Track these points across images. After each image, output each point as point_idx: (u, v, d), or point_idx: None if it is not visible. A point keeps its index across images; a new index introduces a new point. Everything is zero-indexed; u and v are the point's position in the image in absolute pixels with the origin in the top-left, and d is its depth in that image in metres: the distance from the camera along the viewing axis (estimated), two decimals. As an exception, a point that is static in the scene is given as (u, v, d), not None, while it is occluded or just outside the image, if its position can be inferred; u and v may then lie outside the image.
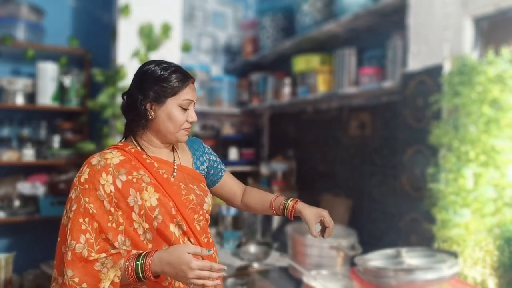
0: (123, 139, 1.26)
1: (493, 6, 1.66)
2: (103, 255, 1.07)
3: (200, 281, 1.03)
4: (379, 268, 1.58)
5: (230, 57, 3.83)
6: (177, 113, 1.18)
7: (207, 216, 1.26)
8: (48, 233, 2.25)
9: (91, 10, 3.23)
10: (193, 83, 1.22)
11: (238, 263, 2.41)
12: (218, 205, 2.84)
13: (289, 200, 1.33)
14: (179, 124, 1.19)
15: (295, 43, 2.90)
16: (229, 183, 1.41)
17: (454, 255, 1.63)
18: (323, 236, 1.29)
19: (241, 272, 2.27)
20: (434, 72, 1.87)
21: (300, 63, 2.87)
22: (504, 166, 1.61)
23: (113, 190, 1.11)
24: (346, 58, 2.54)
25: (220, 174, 1.39)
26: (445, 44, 1.85)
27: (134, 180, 1.14)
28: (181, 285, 1.15)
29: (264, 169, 3.30)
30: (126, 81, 2.52)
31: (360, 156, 2.63)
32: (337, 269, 2.09)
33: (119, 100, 1.22)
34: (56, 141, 2.98)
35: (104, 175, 1.12)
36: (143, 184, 1.14)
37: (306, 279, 1.91)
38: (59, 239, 1.13)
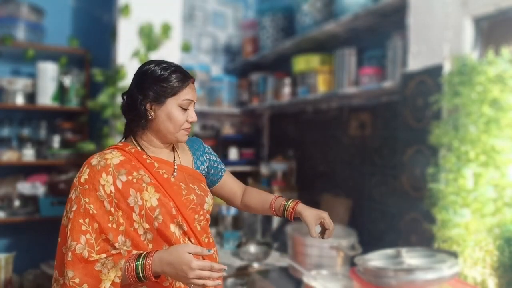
0: (123, 139, 1.26)
1: (493, 6, 1.66)
2: (104, 255, 1.07)
3: (200, 281, 1.03)
4: (379, 268, 1.58)
5: (230, 57, 3.83)
6: (177, 113, 1.18)
7: (208, 216, 1.26)
8: (48, 233, 2.25)
9: (91, 10, 3.23)
10: (193, 83, 1.22)
11: (238, 263, 2.41)
12: (218, 205, 2.84)
13: (290, 201, 1.32)
14: (179, 124, 1.19)
15: (295, 43, 2.90)
16: (229, 183, 1.41)
17: (454, 255, 1.63)
18: (322, 237, 1.29)
19: (241, 272, 2.27)
20: (434, 72, 1.87)
21: (300, 63, 2.87)
22: (504, 166, 1.61)
23: (113, 190, 1.11)
24: (346, 58, 2.54)
25: (220, 174, 1.39)
26: (445, 44, 1.85)
27: (134, 180, 1.14)
28: (182, 285, 1.15)
29: (264, 169, 3.30)
30: (126, 81, 2.52)
31: (360, 156, 2.63)
32: (337, 269, 2.09)
33: (119, 100, 1.22)
34: (56, 141, 2.98)
35: (104, 175, 1.12)
36: (144, 184, 1.14)
37: (306, 279, 1.91)
38: (59, 239, 1.13)
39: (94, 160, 1.15)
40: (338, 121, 2.81)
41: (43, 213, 2.83)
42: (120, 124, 2.56)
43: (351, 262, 2.04)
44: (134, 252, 1.10)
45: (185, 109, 1.19)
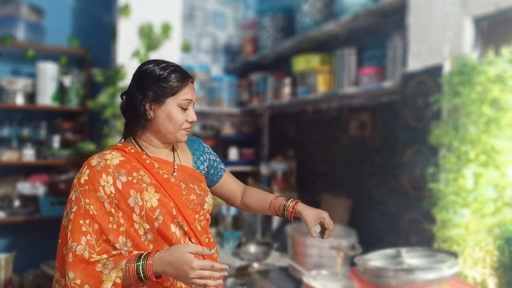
0: (123, 140, 1.26)
1: (493, 6, 1.66)
2: (105, 256, 1.07)
3: (201, 281, 1.03)
4: (379, 268, 1.58)
5: (230, 57, 3.83)
6: (177, 113, 1.18)
7: (208, 216, 1.26)
8: (48, 233, 2.25)
9: (91, 10, 3.23)
10: (192, 82, 1.22)
11: (238, 263, 2.41)
12: (218, 205, 2.84)
13: (289, 201, 1.32)
14: (179, 124, 1.18)
15: (295, 43, 2.90)
16: (229, 183, 1.41)
17: (454, 255, 1.63)
18: (322, 237, 1.29)
19: (241, 272, 2.27)
20: (434, 72, 1.87)
21: (300, 63, 2.87)
22: (504, 166, 1.61)
23: (113, 191, 1.11)
24: (346, 58, 2.54)
25: (220, 174, 1.39)
26: (445, 44, 1.85)
27: (135, 181, 1.13)
28: (183, 285, 1.15)
29: (264, 169, 3.30)
30: (126, 81, 2.52)
31: (360, 156, 2.63)
32: (337, 269, 2.09)
33: (119, 100, 1.22)
34: (56, 141, 2.98)
35: (104, 176, 1.12)
36: (144, 185, 1.14)
37: (306, 279, 1.91)
38: (59, 240, 1.12)
39: (94, 160, 1.15)
40: (338, 121, 2.81)
41: (43, 213, 2.83)
42: (120, 124, 2.56)
43: (351, 262, 2.04)
44: (135, 252, 1.10)
45: (184, 109, 1.19)
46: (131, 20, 2.67)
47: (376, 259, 1.69)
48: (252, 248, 2.50)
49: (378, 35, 2.48)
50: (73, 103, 3.00)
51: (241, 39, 3.68)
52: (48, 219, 2.79)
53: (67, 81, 2.98)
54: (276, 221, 2.86)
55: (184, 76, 1.19)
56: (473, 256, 1.69)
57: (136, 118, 1.18)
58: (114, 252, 1.08)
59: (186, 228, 1.17)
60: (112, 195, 1.11)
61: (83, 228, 1.07)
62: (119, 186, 1.12)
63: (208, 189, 1.30)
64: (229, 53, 3.83)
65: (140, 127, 1.20)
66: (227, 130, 3.60)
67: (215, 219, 2.92)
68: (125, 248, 1.10)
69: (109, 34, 2.79)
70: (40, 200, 2.85)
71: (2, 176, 2.92)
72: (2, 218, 2.76)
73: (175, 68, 1.19)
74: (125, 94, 1.22)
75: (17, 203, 2.88)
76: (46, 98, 2.90)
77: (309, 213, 1.28)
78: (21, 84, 2.88)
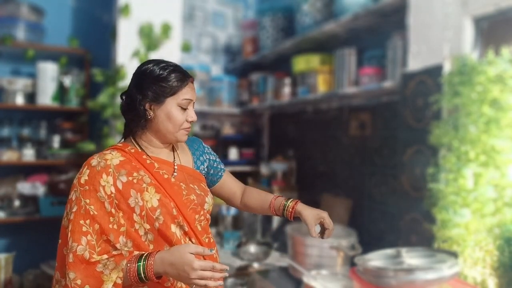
0: (123, 140, 1.26)
1: (493, 6, 1.66)
2: (105, 256, 1.07)
3: (202, 282, 1.02)
4: (379, 268, 1.58)
5: (230, 57, 3.83)
6: (177, 112, 1.17)
7: (208, 216, 1.26)
8: (48, 233, 2.25)
9: (91, 10, 3.23)
10: (192, 82, 1.21)
11: (238, 263, 2.41)
12: (218, 205, 2.84)
13: (289, 201, 1.32)
14: (179, 124, 1.18)
15: (295, 43, 2.90)
16: (229, 183, 1.41)
17: (454, 255, 1.63)
18: (322, 237, 1.29)
19: (241, 272, 2.27)
20: (434, 72, 1.87)
21: (300, 63, 2.87)
22: (504, 166, 1.61)
23: (113, 191, 1.11)
24: (346, 58, 2.54)
25: (219, 174, 1.39)
26: (445, 44, 1.85)
27: (135, 181, 1.13)
28: (183, 285, 1.15)
29: (264, 169, 3.30)
30: (126, 81, 2.52)
31: (360, 156, 2.63)
32: (337, 269, 2.09)
33: (119, 100, 1.22)
34: (56, 141, 2.98)
35: (104, 176, 1.12)
36: (144, 185, 1.14)
37: (306, 279, 1.91)
38: (60, 241, 1.12)
39: (94, 160, 1.15)
40: (338, 121, 2.81)
41: (43, 213, 2.83)
42: (120, 124, 2.56)
43: (351, 262, 2.03)
44: (136, 252, 1.09)
45: (184, 109, 1.19)
46: (131, 20, 2.67)
47: (376, 259, 1.69)
48: (252, 248, 2.50)
49: (378, 35, 2.48)
50: (73, 103, 3.00)
51: (241, 39, 3.68)
52: (48, 219, 2.79)
53: (67, 81, 2.98)
54: (276, 221, 2.85)
55: (184, 75, 1.19)
56: (473, 256, 1.69)
57: (136, 118, 1.18)
58: (114, 253, 1.08)
59: (186, 228, 1.17)
60: (112, 195, 1.11)
61: (84, 228, 1.07)
62: (120, 186, 1.12)
63: (208, 189, 1.30)
64: (229, 53, 3.83)
65: (140, 127, 1.20)
66: (227, 130, 3.60)
67: (215, 219, 2.92)
68: (126, 249, 1.10)
69: (109, 34, 2.79)
70: (40, 200, 2.85)
71: (2, 176, 2.93)
72: (2, 218, 2.76)
73: (175, 68, 1.19)
74: (125, 94, 1.22)
75: (17, 203, 2.88)
76: (46, 98, 2.90)
77: (309, 213, 1.28)
78: (21, 84, 2.88)
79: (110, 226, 1.09)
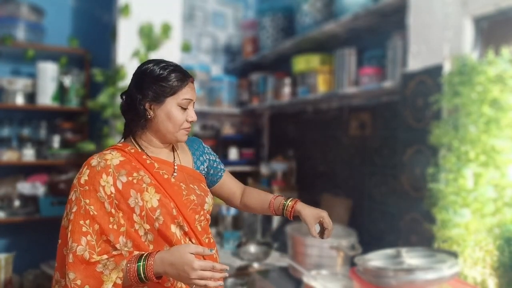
0: (123, 140, 1.26)
1: (493, 6, 1.66)
2: (105, 256, 1.07)
3: (202, 282, 1.02)
4: (379, 268, 1.58)
5: (230, 57, 3.83)
6: (177, 112, 1.17)
7: (208, 216, 1.26)
8: (48, 233, 2.25)
9: (91, 10, 3.23)
10: (192, 82, 1.21)
11: (238, 263, 2.41)
12: (218, 205, 2.84)
13: (289, 200, 1.32)
14: (179, 123, 1.18)
15: (295, 43, 2.90)
16: (228, 183, 1.41)
17: (454, 255, 1.63)
18: (322, 237, 1.29)
19: (241, 272, 2.27)
20: (434, 72, 1.87)
21: (300, 63, 2.87)
22: (504, 166, 1.61)
23: (113, 191, 1.11)
24: (346, 58, 2.54)
25: (219, 174, 1.39)
26: (445, 44, 1.85)
27: (135, 181, 1.13)
28: (183, 285, 1.14)
29: (264, 169, 3.30)
30: (126, 81, 2.52)
31: (360, 156, 2.63)
32: (337, 269, 2.09)
33: (119, 100, 1.22)
34: (56, 141, 2.98)
35: (104, 176, 1.11)
36: (144, 185, 1.13)
37: (306, 279, 1.91)
38: (59, 241, 1.12)
39: (94, 160, 1.15)
40: (338, 121, 2.81)
41: (43, 213, 2.83)
42: (120, 124, 2.56)
43: (351, 262, 2.03)
44: (136, 253, 1.09)
45: (184, 109, 1.19)
46: (131, 20, 2.67)
47: (376, 259, 1.69)
48: (252, 248, 2.50)
49: (378, 35, 2.48)
50: (73, 103, 3.00)
51: (241, 39, 3.68)
52: (48, 219, 2.79)
53: (67, 81, 2.98)
54: (276, 221, 2.85)
55: (184, 75, 1.19)
56: (473, 256, 1.69)
57: (136, 118, 1.18)
58: (114, 253, 1.08)
59: (186, 229, 1.17)
60: (112, 195, 1.11)
61: (83, 229, 1.07)
62: (119, 186, 1.12)
63: (208, 190, 1.30)
64: (229, 53, 3.83)
65: (140, 127, 1.20)
66: (227, 130, 3.60)
67: (215, 219, 2.92)
68: (125, 249, 1.10)
69: (109, 34, 2.79)
70: (40, 200, 2.85)
71: (2, 176, 2.93)
72: (2, 218, 2.76)
73: (175, 68, 1.19)
74: (125, 94, 1.22)
75: (17, 203, 2.88)
76: (46, 98, 2.90)
77: (309, 213, 1.28)
78: (21, 84, 2.88)
79: (110, 226, 1.09)
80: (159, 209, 1.13)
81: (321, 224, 1.29)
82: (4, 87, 2.85)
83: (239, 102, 3.61)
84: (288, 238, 2.33)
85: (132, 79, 1.22)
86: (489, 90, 1.63)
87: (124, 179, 1.13)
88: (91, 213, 1.08)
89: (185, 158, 1.29)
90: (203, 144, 1.39)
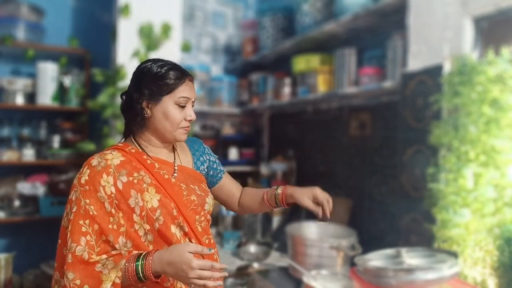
0: (123, 139, 1.26)
1: (493, 6, 1.66)
2: (104, 256, 1.06)
3: (201, 282, 1.02)
4: (379, 268, 1.58)
5: (230, 57, 3.83)
6: (174, 111, 1.17)
7: (209, 216, 1.25)
8: (48, 233, 2.25)
9: (91, 10, 3.23)
10: (190, 80, 1.20)
11: (238, 263, 2.41)
12: (218, 205, 2.83)
13: (279, 189, 1.30)
14: (176, 122, 1.17)
15: (295, 43, 2.90)
16: (228, 185, 1.39)
17: (454, 255, 1.63)
18: (324, 219, 1.20)
19: (241, 272, 2.27)
20: (434, 72, 1.87)
21: (300, 63, 2.87)
22: (504, 166, 1.61)
23: (114, 191, 1.11)
24: (346, 58, 2.54)
25: (219, 175, 1.38)
26: (445, 44, 1.85)
27: (135, 181, 1.13)
28: (183, 286, 1.14)
29: (264, 169, 3.30)
30: (126, 81, 2.51)
31: (360, 156, 2.63)
32: (337, 269, 2.09)
33: (119, 100, 1.22)
34: (56, 141, 2.98)
35: (104, 176, 1.11)
36: (144, 185, 1.13)
37: (306, 279, 1.91)
38: (59, 241, 1.12)
39: (94, 160, 1.14)
40: (338, 121, 2.81)
41: (43, 213, 2.83)
42: (120, 124, 2.56)
43: (351, 262, 2.03)
44: (135, 252, 1.09)
45: (182, 107, 1.18)
46: (131, 20, 2.67)
47: (376, 259, 1.69)
48: (252, 248, 2.50)
49: (378, 35, 2.48)
50: (73, 103, 3.00)
51: (241, 39, 3.68)
52: (48, 219, 2.79)
53: (67, 81, 2.98)
54: (276, 221, 2.85)
55: (181, 73, 1.18)
56: (473, 256, 1.69)
57: (134, 117, 1.18)
58: (113, 252, 1.08)
59: (186, 229, 1.16)
60: (112, 195, 1.10)
61: (83, 229, 1.07)
62: (120, 186, 1.11)
63: (209, 190, 1.30)
64: (229, 53, 3.83)
65: (139, 126, 1.20)
66: (227, 130, 3.60)
67: (215, 219, 2.92)
68: (125, 249, 1.10)
69: (109, 34, 2.79)
70: (40, 200, 2.85)
71: (2, 176, 2.93)
72: (2, 218, 2.76)
73: (172, 66, 1.18)
74: (125, 93, 1.22)
75: (17, 203, 2.88)
76: (46, 98, 2.91)
77: (301, 193, 1.23)
78: (21, 84, 2.88)
79: (110, 226, 1.09)
80: (159, 210, 1.12)
81: (316, 203, 1.21)
82: (4, 87, 2.86)
83: (239, 102, 3.61)
84: (288, 238, 2.33)
85: (131, 79, 1.22)
86: (489, 90, 1.63)
87: (124, 179, 1.12)
88: (91, 213, 1.08)
89: (185, 158, 1.29)
90: (203, 145, 1.38)
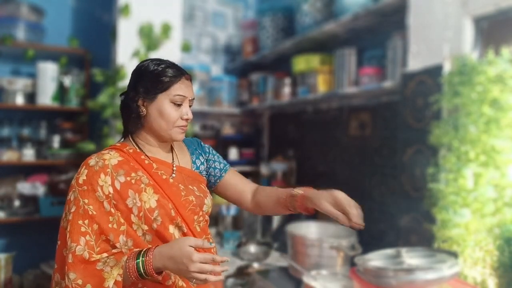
0: (122, 139, 1.25)
1: (493, 6, 1.66)
2: (105, 254, 1.06)
3: (202, 276, 1.00)
4: (379, 268, 1.58)
5: (230, 57, 3.83)
6: (169, 109, 1.15)
7: (207, 217, 1.25)
8: (48, 233, 2.25)
9: (91, 10, 3.23)
10: (187, 79, 1.19)
11: (238, 263, 2.41)
12: (218, 205, 2.84)
13: (296, 190, 1.19)
14: (172, 121, 1.16)
15: (295, 43, 2.90)
16: (234, 182, 1.33)
17: (454, 255, 1.63)
18: (351, 225, 1.10)
19: (241, 272, 2.27)
20: (434, 72, 1.87)
21: (300, 63, 2.87)
22: (504, 166, 1.61)
23: (111, 191, 1.10)
24: (346, 58, 2.53)
25: (221, 174, 1.34)
26: (445, 44, 1.85)
27: (133, 181, 1.13)
28: (185, 285, 1.13)
29: (264, 169, 3.30)
30: (126, 81, 2.51)
31: (360, 156, 2.63)
32: (337, 269, 2.09)
33: (119, 100, 1.23)
34: (56, 141, 2.98)
35: (102, 176, 1.11)
36: (142, 185, 1.13)
37: (306, 279, 1.91)
38: (59, 242, 1.11)
39: (92, 160, 1.14)
40: (338, 121, 2.81)
41: (43, 213, 2.83)
42: (120, 124, 2.56)
43: (351, 262, 2.03)
44: (135, 249, 1.09)
45: (178, 106, 1.16)
46: (131, 20, 2.67)
47: (376, 259, 1.69)
48: (252, 248, 2.50)
49: (378, 35, 2.48)
50: (73, 103, 3.00)
51: (241, 39, 3.68)
52: (48, 219, 2.79)
53: (67, 81, 2.98)
54: (276, 221, 2.85)
55: (177, 71, 1.17)
56: (473, 256, 1.69)
57: (130, 115, 1.18)
58: (114, 251, 1.08)
59: (185, 229, 1.16)
60: (110, 195, 1.10)
61: (82, 229, 1.06)
62: (118, 186, 1.11)
63: (208, 191, 1.28)
64: (229, 53, 3.83)
65: (135, 125, 1.20)
66: (227, 130, 3.60)
67: (215, 219, 2.92)
68: (126, 247, 1.09)
69: (109, 34, 2.79)
70: (40, 200, 2.85)
71: (2, 176, 2.93)
72: (2, 218, 2.77)
73: (169, 65, 1.18)
74: (124, 93, 1.23)
75: (17, 203, 2.88)
76: (46, 98, 2.91)
77: (320, 198, 1.11)
78: (21, 84, 2.88)
79: (110, 225, 1.08)
80: (157, 210, 1.12)
81: (339, 209, 1.09)
82: (4, 87, 2.86)
83: (239, 102, 3.61)
84: (288, 238, 2.33)
85: (130, 78, 1.22)
86: (489, 90, 1.63)
87: (122, 179, 1.12)
88: (90, 213, 1.08)
89: (183, 158, 1.28)
90: (203, 144, 1.37)
